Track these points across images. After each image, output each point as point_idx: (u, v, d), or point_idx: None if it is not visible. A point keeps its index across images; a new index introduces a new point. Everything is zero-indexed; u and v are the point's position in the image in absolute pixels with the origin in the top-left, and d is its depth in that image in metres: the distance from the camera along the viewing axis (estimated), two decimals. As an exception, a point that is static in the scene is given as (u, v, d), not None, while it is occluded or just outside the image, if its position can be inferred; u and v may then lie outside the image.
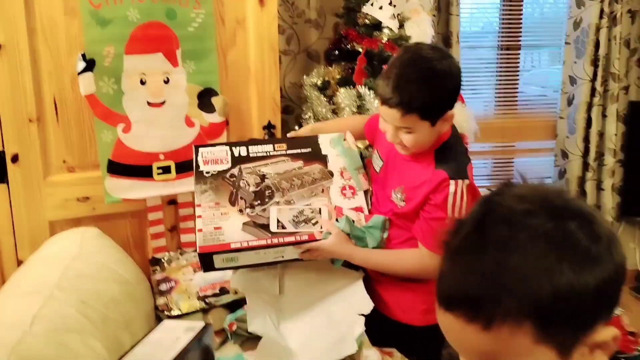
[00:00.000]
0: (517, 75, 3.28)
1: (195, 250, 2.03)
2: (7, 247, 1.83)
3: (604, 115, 3.11)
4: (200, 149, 1.62)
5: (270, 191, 1.55)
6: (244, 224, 1.48)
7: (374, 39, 2.30)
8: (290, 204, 1.55)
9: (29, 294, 1.29)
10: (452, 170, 1.43)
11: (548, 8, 3.57)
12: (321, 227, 1.53)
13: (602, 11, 2.93)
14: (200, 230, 1.42)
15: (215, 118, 2.00)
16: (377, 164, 1.66)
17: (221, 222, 1.45)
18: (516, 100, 3.30)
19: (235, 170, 1.57)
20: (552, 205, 0.62)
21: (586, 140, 3.12)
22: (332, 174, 1.67)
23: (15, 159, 1.78)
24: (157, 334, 1.05)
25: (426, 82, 1.37)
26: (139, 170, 1.92)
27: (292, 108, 2.75)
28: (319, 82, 2.38)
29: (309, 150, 1.70)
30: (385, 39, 2.26)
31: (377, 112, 1.58)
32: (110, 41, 1.79)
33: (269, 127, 2.09)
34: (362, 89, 2.25)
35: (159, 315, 1.69)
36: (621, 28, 2.96)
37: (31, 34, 1.74)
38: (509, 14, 3.17)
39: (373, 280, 1.67)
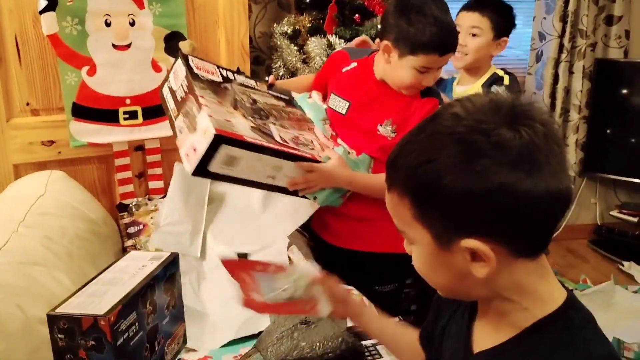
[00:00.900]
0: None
1: (164, 196, 2.04)
2: (-29, 191, 1.80)
3: (570, 72, 3.16)
4: (190, 57, 1.45)
5: (264, 112, 1.48)
6: (251, 127, 1.36)
7: (345, -13, 2.28)
8: (283, 128, 1.49)
9: (-7, 230, 1.28)
10: (439, 97, 1.61)
11: (521, -36, 3.56)
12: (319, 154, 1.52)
13: (571, -32, 2.95)
14: (210, 116, 1.23)
15: (182, 63, 1.97)
16: (342, 106, 1.67)
17: (229, 117, 1.31)
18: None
19: (227, 85, 1.46)
20: (479, 111, 0.65)
21: (553, 96, 3.17)
22: (311, 121, 1.67)
23: (-24, 100, 1.75)
24: (123, 262, 1.06)
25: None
26: (105, 114, 1.90)
27: (263, 59, 2.72)
28: (290, 31, 2.36)
29: (287, 97, 1.69)
30: (355, -13, 2.25)
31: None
32: (72, -21, 1.74)
33: (238, 74, 2.08)
34: (333, 38, 2.24)
35: (127, 257, 1.70)
36: (590, -16, 2.99)
37: (-11, -31, 1.68)
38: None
39: (341, 216, 1.68)
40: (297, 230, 1.73)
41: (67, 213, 1.49)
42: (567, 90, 3.17)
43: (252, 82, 1.61)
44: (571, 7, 3.00)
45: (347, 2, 2.31)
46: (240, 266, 1.03)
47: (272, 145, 1.32)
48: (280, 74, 2.34)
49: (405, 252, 0.75)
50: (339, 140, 1.64)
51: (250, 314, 1.37)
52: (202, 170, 1.25)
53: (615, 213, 3.28)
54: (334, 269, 1.41)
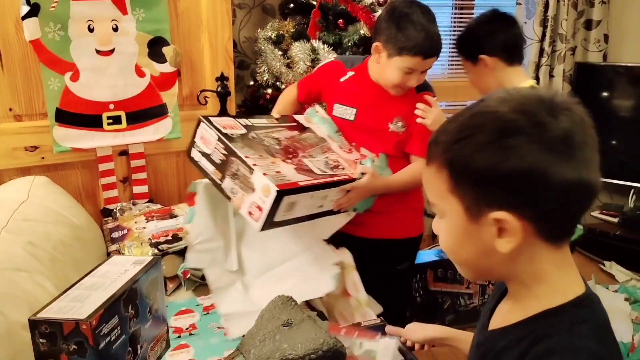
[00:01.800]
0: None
1: (150, 201, 2.05)
2: (-47, 197, 1.79)
3: (551, 75, 3.21)
4: (211, 118, 1.49)
5: (291, 149, 1.55)
6: (294, 169, 1.45)
7: (328, -8, 2.30)
8: (313, 158, 1.58)
9: (-25, 236, 1.28)
10: (433, 91, 1.76)
11: (502, -31, 3.61)
12: (352, 171, 1.62)
13: (551, -28, 3.00)
14: (265, 174, 1.31)
15: (166, 68, 1.98)
16: (349, 113, 1.76)
17: (278, 168, 1.40)
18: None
19: (253, 134, 1.52)
20: (522, 100, 0.69)
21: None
22: (324, 139, 1.72)
23: (-42, 105, 1.74)
24: (105, 267, 1.07)
25: None
26: (89, 119, 1.90)
27: (247, 63, 2.73)
28: (274, 36, 2.38)
29: (295, 123, 1.73)
30: (338, -7, 2.27)
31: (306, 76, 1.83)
32: (55, -15, 1.74)
33: (222, 78, 2.09)
34: (316, 43, 2.26)
35: (111, 262, 1.70)
36: (569, -11, 3.04)
37: (-29, -25, 1.68)
38: (463, -26, 3.21)
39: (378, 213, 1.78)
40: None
41: (51, 219, 1.49)
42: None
43: (263, 121, 1.64)
44: (551, 12, 3.05)
45: (331, 8, 2.33)
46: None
47: (319, 181, 1.43)
48: (265, 78, 2.36)
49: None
50: (362, 150, 1.74)
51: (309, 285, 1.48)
52: (268, 223, 1.35)
53: (596, 214, 3.33)
54: (357, 257, 1.56)
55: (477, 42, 1.75)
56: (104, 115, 1.92)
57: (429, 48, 1.60)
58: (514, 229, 0.67)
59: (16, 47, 1.79)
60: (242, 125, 1.53)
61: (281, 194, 1.29)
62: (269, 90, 2.39)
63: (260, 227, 1.34)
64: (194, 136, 1.47)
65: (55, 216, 1.53)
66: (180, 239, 1.80)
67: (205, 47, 2.07)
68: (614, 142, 3.22)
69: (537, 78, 3.19)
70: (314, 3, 2.34)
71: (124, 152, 2.03)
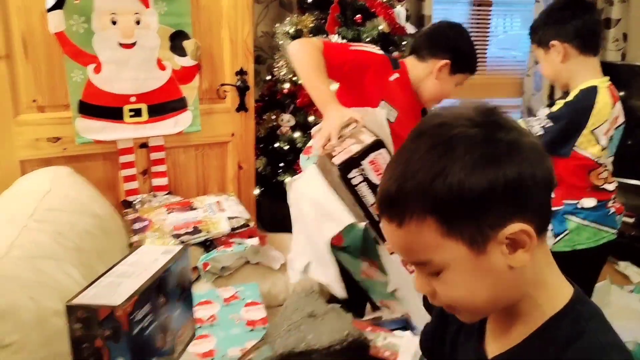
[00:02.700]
0: (488, 33, 3.33)
1: (169, 193, 2.07)
2: (-23, 187, 1.82)
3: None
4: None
5: None
6: None
7: (347, -12, 2.31)
8: None
9: (4, 225, 1.30)
10: None
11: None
12: None
13: (570, -30, 2.98)
14: None
15: (187, 62, 2.00)
16: (392, 115, 1.72)
17: None
18: (485, 58, 3.36)
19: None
20: (464, 117, 0.67)
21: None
22: None
23: (-17, 96, 1.76)
24: (135, 256, 1.08)
25: None
26: (110, 111, 1.92)
27: (264, 58, 2.74)
28: (292, 31, 2.39)
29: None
30: (358, -12, 2.28)
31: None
32: (80, -22, 1.76)
33: (241, 73, 2.10)
34: (335, 38, 2.27)
35: (132, 252, 1.72)
36: (588, -12, 3.03)
37: (-2, -33, 1.70)
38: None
39: None
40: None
41: (75, 208, 1.51)
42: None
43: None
44: (569, 10, 3.04)
45: (349, 3, 2.34)
46: None
47: None
48: (283, 73, 2.37)
49: None
50: None
51: None
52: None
53: (611, 214, 3.31)
54: None
55: (549, 27, 1.68)
56: (126, 108, 1.94)
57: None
58: (529, 235, 0.65)
59: (40, 39, 1.81)
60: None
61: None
62: (287, 85, 2.40)
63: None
64: (359, 156, 1.31)
65: (79, 206, 1.55)
66: (201, 231, 1.82)
67: (225, 42, 2.08)
68: (629, 142, 3.19)
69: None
70: (333, -1, 2.35)
71: (144, 145, 2.05)
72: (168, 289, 1.03)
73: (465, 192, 0.63)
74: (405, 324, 1.32)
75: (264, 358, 1.08)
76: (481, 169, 0.63)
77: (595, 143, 1.69)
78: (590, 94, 1.66)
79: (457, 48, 1.74)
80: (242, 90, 2.10)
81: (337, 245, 1.30)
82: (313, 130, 1.59)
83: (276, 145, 2.56)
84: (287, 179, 1.53)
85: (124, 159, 2.00)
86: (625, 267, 2.99)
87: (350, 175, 1.29)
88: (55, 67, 1.85)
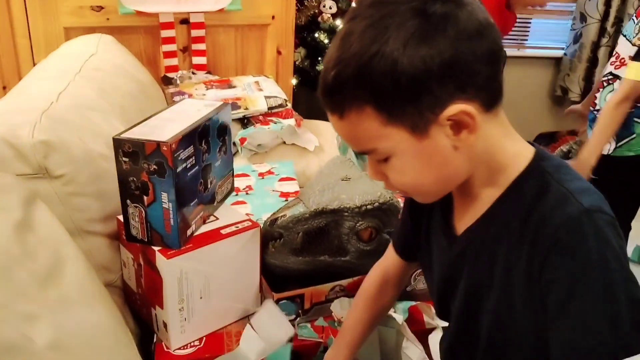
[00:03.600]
0: None
1: (208, 72, 2.08)
2: (24, 51, 1.86)
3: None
4: None
5: None
6: None
7: None
8: None
9: (54, 78, 1.34)
10: None
11: None
12: None
13: None
14: None
15: None
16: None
17: None
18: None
19: None
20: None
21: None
22: None
23: (28, -42, 1.76)
24: (180, 106, 1.11)
25: None
26: (153, -17, 1.91)
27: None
28: None
29: None
30: None
31: None
32: None
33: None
34: None
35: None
36: None
37: None
38: None
39: None
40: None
41: (119, 72, 1.54)
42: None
43: None
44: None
45: None
46: None
47: None
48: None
49: None
50: None
51: None
52: None
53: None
54: None
55: None
56: (168, -20, 1.92)
57: None
58: (471, 112, 0.63)
59: None
60: None
61: None
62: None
63: None
64: None
65: (123, 71, 1.58)
66: (239, 107, 1.84)
67: None
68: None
69: (594, 58, 3.08)
70: None
71: (185, 21, 2.04)
72: (209, 138, 1.06)
73: (400, 76, 0.60)
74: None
75: (298, 212, 1.12)
76: (413, 49, 0.60)
77: None
78: None
79: None
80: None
81: None
82: None
83: (316, 35, 2.52)
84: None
85: (165, 33, 2.01)
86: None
87: None
88: None
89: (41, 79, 1.36)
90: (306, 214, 1.12)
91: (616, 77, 1.83)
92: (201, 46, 2.09)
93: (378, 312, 1.02)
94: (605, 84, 1.87)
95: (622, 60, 1.82)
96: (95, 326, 0.86)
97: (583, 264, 0.61)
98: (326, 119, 2.09)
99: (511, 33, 3.33)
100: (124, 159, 0.95)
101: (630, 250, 2.48)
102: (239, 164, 1.79)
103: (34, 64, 1.82)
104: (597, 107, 1.89)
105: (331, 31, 2.45)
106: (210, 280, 1.06)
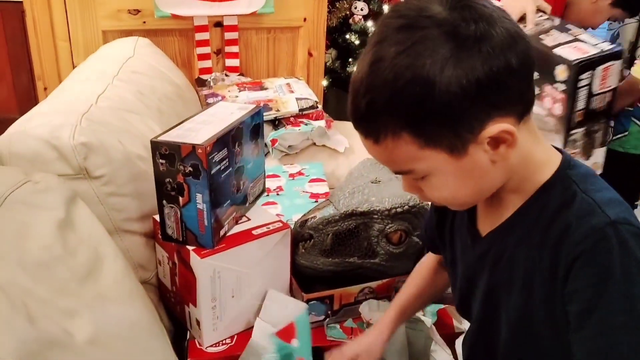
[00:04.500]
0: None
1: (241, 74, 2.11)
2: (64, 53, 1.92)
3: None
4: None
5: None
6: None
7: None
8: None
9: (93, 80, 1.39)
10: None
11: None
12: None
13: None
14: None
15: (264, -62, 1.97)
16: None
17: None
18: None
19: None
20: (428, 12, 0.61)
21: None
22: None
23: (69, -36, 1.82)
24: (214, 109, 1.14)
25: None
26: (188, -13, 1.95)
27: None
28: None
29: None
30: None
31: None
32: None
33: None
34: None
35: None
36: None
37: None
38: None
39: None
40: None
41: (155, 75, 1.58)
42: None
43: None
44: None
45: None
46: None
47: None
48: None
49: None
50: None
51: None
52: None
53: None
54: None
55: None
56: (202, -16, 1.95)
57: None
58: (510, 130, 0.63)
59: None
60: None
61: None
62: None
63: None
64: (600, 59, 1.27)
65: (159, 73, 1.62)
66: (271, 109, 1.87)
67: None
68: None
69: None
70: None
71: (218, 24, 2.07)
72: (243, 140, 1.09)
73: (436, 102, 0.60)
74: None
75: (328, 214, 1.14)
76: (449, 74, 0.59)
77: None
78: None
79: None
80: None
81: None
82: None
83: (347, 36, 2.53)
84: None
85: (199, 36, 2.04)
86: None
87: (582, 77, 1.25)
88: (136, -62, 1.86)
89: (81, 81, 1.41)
90: (336, 215, 1.14)
91: None
92: (234, 48, 2.12)
93: (432, 289, 1.04)
94: None
95: None
96: (132, 322, 0.89)
97: (606, 276, 0.61)
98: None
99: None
100: (160, 160, 0.98)
101: None
102: (270, 164, 1.81)
103: (74, 67, 1.88)
104: None
105: (362, 32, 2.46)
106: (241, 280, 1.09)
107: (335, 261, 1.15)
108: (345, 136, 2.01)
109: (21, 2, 1.89)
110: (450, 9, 0.61)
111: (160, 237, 1.09)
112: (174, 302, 1.16)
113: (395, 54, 0.61)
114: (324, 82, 2.43)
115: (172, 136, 0.99)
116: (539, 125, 0.76)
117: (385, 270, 1.18)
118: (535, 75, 0.69)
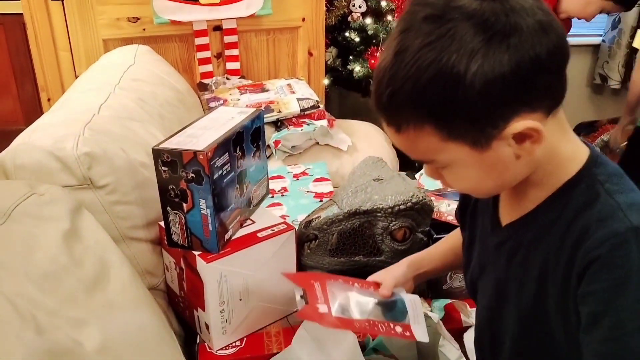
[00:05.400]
0: None
1: (242, 77, 2.12)
2: (66, 63, 1.94)
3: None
4: None
5: None
6: None
7: None
8: None
9: (94, 90, 1.40)
10: None
11: None
12: None
13: None
14: None
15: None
16: None
17: None
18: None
19: None
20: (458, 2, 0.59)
21: (628, 65, 3.04)
22: None
23: (67, -26, 1.83)
24: (214, 114, 1.15)
25: None
26: (186, -8, 1.95)
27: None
28: None
29: None
30: None
31: None
32: None
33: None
34: None
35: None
36: None
37: None
38: None
39: None
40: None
41: (157, 81, 1.59)
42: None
43: None
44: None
45: None
46: (310, 277, 1.01)
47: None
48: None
49: None
50: None
51: None
52: None
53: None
54: None
55: None
56: (200, -11, 1.96)
57: None
58: (537, 128, 0.61)
59: None
60: None
61: None
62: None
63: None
64: None
65: (160, 80, 1.63)
66: (272, 110, 1.87)
67: None
68: None
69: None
70: None
71: (217, 28, 2.08)
72: (244, 144, 1.09)
73: (462, 97, 0.58)
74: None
75: (332, 214, 1.14)
76: (476, 69, 0.57)
77: None
78: None
79: None
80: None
81: None
82: None
83: (346, 34, 2.53)
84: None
85: (199, 41, 2.05)
86: None
87: None
88: (133, -54, 1.87)
89: (83, 91, 1.42)
90: (340, 215, 1.14)
91: None
92: (234, 52, 2.13)
93: (454, 259, 1.04)
94: None
95: None
96: (141, 329, 0.90)
97: (622, 281, 0.60)
98: (358, 118, 2.11)
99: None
100: (163, 168, 0.99)
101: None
102: (274, 166, 1.82)
103: (76, 76, 1.90)
104: None
105: (361, 30, 2.46)
106: (248, 283, 1.10)
107: (341, 260, 1.16)
108: (348, 134, 2.02)
109: (22, 13, 1.90)
110: None
111: (166, 243, 1.09)
112: (182, 306, 1.17)
113: (420, 46, 0.59)
114: (325, 81, 2.43)
115: (174, 143, 1.00)
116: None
117: (391, 267, 1.18)
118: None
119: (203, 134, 1.03)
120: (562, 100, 0.66)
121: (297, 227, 1.17)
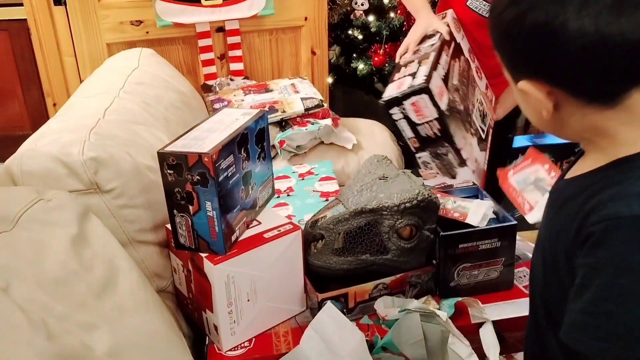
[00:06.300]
0: None
1: (245, 78, 2.13)
2: (71, 68, 1.95)
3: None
4: (431, 88, 1.34)
5: (466, 103, 1.56)
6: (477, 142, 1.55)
7: None
8: (475, 111, 1.61)
9: (99, 95, 1.41)
10: None
11: None
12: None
13: None
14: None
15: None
16: (484, 8, 1.64)
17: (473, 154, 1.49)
18: None
19: (451, 97, 1.44)
20: None
21: None
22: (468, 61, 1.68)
23: (70, -21, 1.84)
24: (218, 116, 1.15)
25: None
26: (188, -6, 1.96)
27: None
28: None
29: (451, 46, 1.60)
30: None
31: None
32: None
33: None
34: None
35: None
36: None
37: None
38: None
39: None
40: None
41: (161, 84, 1.60)
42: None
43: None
44: None
45: None
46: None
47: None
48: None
49: None
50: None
51: None
52: None
53: None
54: None
55: None
56: (202, -9, 1.97)
57: None
58: (536, 95, 0.69)
59: None
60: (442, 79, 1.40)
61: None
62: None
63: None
64: (403, 97, 1.32)
65: (164, 83, 1.64)
66: (277, 110, 1.88)
67: None
68: None
69: None
70: None
71: (220, 29, 2.09)
72: (248, 146, 1.10)
73: (503, 31, 0.70)
74: (476, 193, 1.34)
75: (338, 213, 1.14)
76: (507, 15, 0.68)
77: None
78: None
79: None
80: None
81: None
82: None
83: (349, 32, 2.53)
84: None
85: (202, 42, 2.06)
86: None
87: (391, 112, 1.37)
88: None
89: (88, 96, 1.43)
90: (346, 214, 1.14)
91: None
92: (237, 52, 2.14)
93: None
94: None
95: None
96: (150, 332, 0.91)
97: (605, 261, 0.63)
98: (363, 116, 2.10)
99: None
100: (168, 171, 0.99)
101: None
102: (279, 166, 1.82)
103: (81, 81, 1.91)
104: None
105: (364, 27, 2.46)
106: (256, 283, 1.10)
107: (348, 259, 1.16)
108: (353, 133, 2.02)
109: (26, 19, 1.92)
110: None
111: (173, 246, 1.10)
112: (191, 308, 1.18)
113: None
114: (329, 80, 2.43)
115: (179, 146, 1.00)
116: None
117: (398, 265, 1.18)
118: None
119: (207, 136, 1.03)
120: (616, 97, 0.67)
121: (303, 227, 1.17)
